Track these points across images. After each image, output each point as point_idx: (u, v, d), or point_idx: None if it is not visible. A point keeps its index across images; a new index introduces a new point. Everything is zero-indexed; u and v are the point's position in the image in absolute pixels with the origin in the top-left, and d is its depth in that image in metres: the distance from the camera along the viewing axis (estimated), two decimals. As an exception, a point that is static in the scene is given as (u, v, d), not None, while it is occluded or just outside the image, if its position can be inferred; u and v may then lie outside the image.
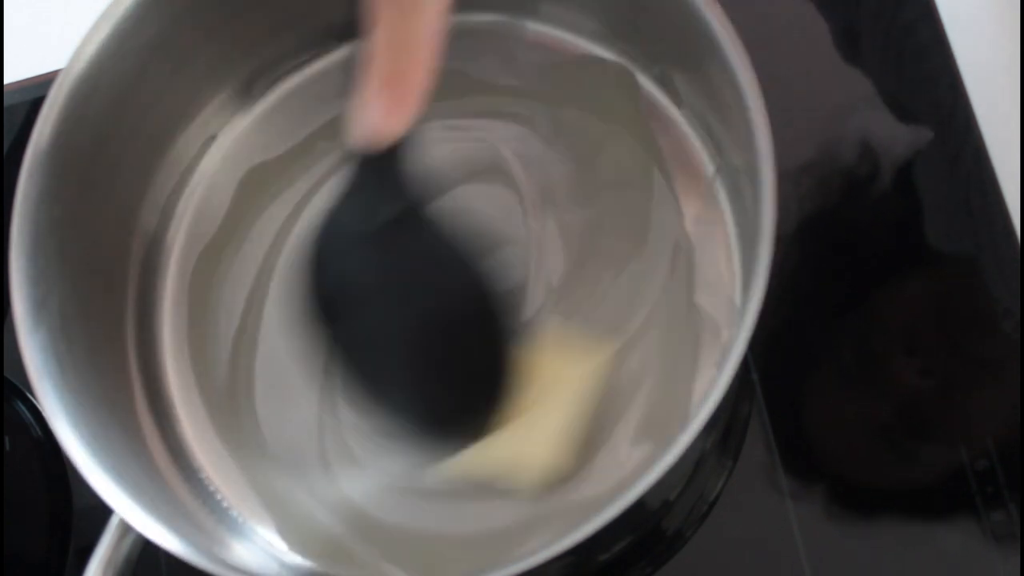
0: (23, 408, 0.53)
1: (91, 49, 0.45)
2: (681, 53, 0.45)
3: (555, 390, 0.44)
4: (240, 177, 0.52)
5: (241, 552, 0.46)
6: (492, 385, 0.43)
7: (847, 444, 0.50)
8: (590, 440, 0.45)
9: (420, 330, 0.42)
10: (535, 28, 0.51)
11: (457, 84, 0.51)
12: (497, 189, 0.50)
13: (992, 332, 0.50)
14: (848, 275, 0.51)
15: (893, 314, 0.51)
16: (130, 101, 0.47)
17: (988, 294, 0.50)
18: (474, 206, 0.49)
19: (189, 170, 0.52)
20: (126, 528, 0.41)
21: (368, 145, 0.36)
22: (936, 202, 0.51)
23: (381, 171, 0.37)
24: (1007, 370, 0.49)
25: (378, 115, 0.35)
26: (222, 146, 0.52)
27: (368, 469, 0.47)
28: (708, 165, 0.48)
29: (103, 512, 0.41)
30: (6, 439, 0.52)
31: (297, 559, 0.47)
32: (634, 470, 0.45)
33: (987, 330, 0.50)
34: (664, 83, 0.49)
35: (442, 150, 0.50)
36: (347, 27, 0.52)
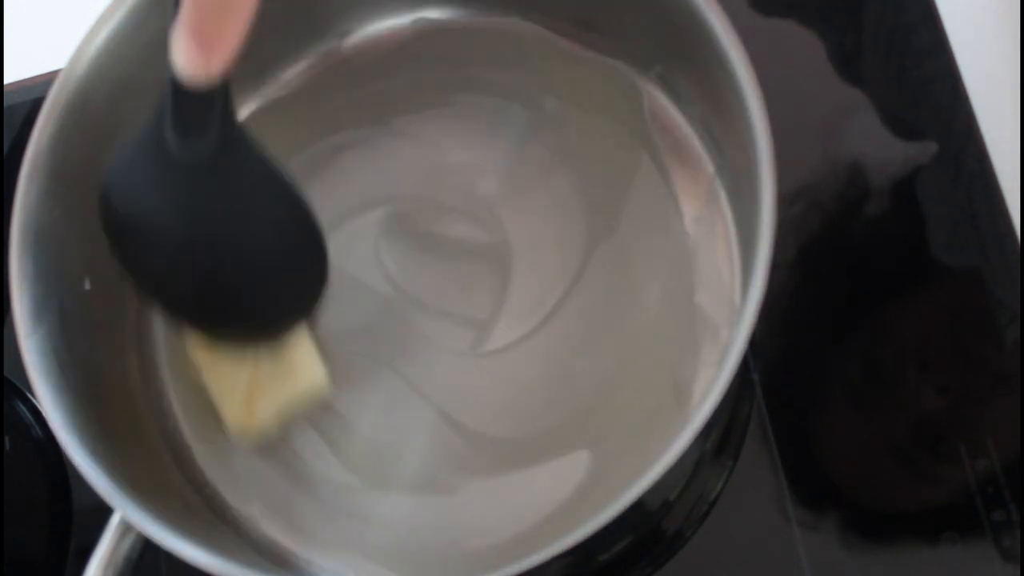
0: (23, 408, 0.53)
1: (91, 49, 0.45)
2: (681, 52, 0.45)
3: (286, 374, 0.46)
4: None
5: (241, 552, 0.46)
6: (269, 319, 0.44)
7: (851, 452, 0.50)
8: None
9: (213, 259, 0.41)
10: (533, 28, 0.51)
11: (453, 82, 0.51)
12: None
13: (1004, 342, 0.49)
14: (854, 289, 0.51)
15: (902, 327, 0.50)
16: (130, 101, 0.47)
17: (998, 303, 0.50)
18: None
19: (189, 170, 0.52)
20: (126, 528, 0.41)
21: (184, 78, 0.35)
22: (939, 212, 0.51)
23: (195, 104, 0.37)
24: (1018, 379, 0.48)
25: (186, 59, 0.34)
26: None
27: (367, 470, 0.47)
28: (708, 165, 0.48)
29: (103, 512, 0.41)
30: (6, 439, 0.52)
31: (298, 559, 0.47)
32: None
33: (1000, 341, 0.49)
34: (664, 83, 0.49)
35: (434, 148, 0.50)
36: (347, 28, 0.53)
